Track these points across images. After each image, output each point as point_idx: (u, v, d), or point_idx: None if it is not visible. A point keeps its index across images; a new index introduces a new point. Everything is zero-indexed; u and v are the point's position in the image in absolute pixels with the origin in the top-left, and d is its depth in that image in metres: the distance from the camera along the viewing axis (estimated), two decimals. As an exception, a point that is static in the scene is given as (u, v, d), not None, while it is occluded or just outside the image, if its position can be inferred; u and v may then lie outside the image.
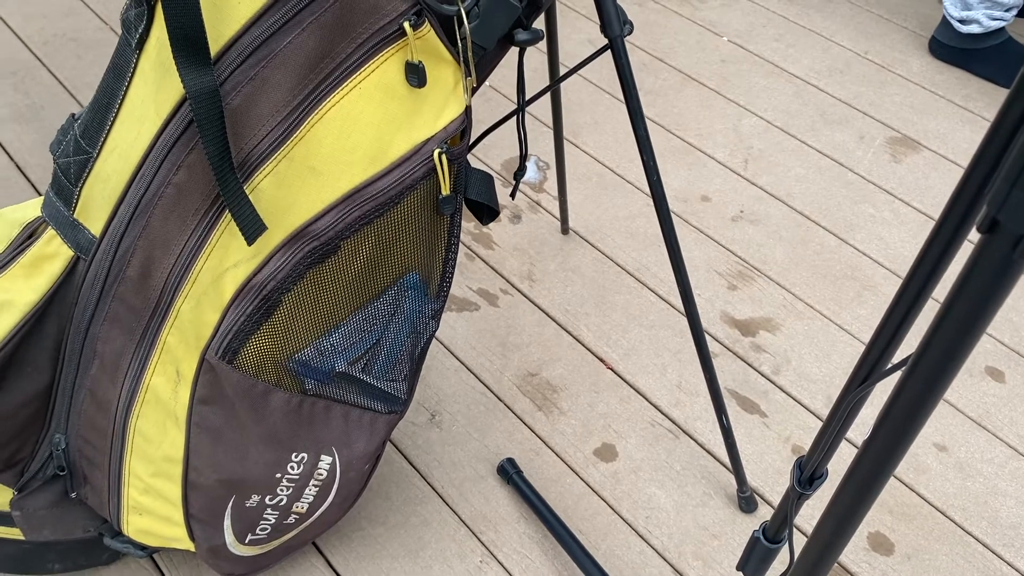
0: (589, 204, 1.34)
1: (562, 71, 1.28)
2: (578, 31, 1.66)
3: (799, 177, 1.39)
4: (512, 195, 0.80)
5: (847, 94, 1.54)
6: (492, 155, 1.41)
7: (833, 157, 1.42)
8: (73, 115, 0.68)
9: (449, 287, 0.74)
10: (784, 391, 1.11)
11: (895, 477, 1.03)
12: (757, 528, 0.65)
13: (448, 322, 1.17)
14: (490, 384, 1.11)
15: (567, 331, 1.17)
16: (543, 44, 1.02)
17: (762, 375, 1.13)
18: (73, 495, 0.80)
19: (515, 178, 0.78)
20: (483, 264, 1.25)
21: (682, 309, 1.19)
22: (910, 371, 0.39)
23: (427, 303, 0.74)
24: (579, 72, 1.57)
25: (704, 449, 1.05)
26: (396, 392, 0.78)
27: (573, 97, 1.52)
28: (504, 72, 1.56)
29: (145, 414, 0.74)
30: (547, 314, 1.19)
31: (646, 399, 1.10)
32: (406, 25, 0.58)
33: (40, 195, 1.32)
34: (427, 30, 0.59)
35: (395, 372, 0.77)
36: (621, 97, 1.49)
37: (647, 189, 1.36)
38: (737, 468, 0.96)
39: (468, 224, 1.30)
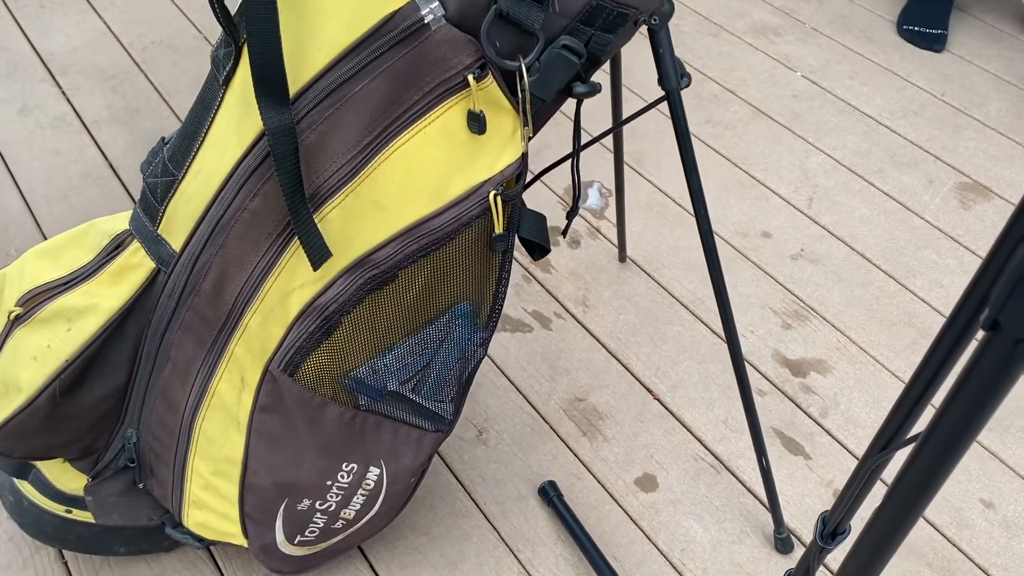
0: (648, 233, 1.36)
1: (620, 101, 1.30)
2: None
3: (863, 218, 1.38)
4: (564, 234, 0.83)
5: (919, 136, 1.52)
6: (556, 180, 1.45)
7: (899, 200, 1.41)
8: (163, 139, 0.74)
9: (498, 318, 0.78)
10: (830, 434, 1.11)
11: (937, 530, 1.02)
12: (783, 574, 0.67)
13: (501, 342, 1.21)
14: (537, 406, 1.14)
15: (617, 359, 1.20)
16: (607, 66, 1.05)
17: (809, 417, 1.13)
18: (140, 486, 0.86)
19: (567, 217, 0.81)
20: (539, 287, 1.28)
21: (733, 345, 1.21)
22: (917, 451, 0.41)
23: (476, 331, 0.78)
24: (644, 99, 1.59)
25: (745, 487, 1.06)
26: (443, 412, 0.82)
27: (639, 126, 1.54)
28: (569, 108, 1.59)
29: (210, 417, 0.80)
30: (598, 340, 1.22)
31: (691, 432, 1.12)
32: (470, 77, 0.62)
33: (129, 194, 1.41)
34: (489, 82, 0.63)
35: (443, 394, 0.81)
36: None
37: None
38: (775, 508, 0.97)
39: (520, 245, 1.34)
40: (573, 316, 1.25)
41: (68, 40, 1.70)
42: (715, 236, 1.35)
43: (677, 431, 1.12)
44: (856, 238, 1.36)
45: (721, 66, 1.67)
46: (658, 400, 1.15)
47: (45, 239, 1.33)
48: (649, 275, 1.31)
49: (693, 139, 1.52)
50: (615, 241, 1.35)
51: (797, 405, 1.15)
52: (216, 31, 1.72)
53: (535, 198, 1.42)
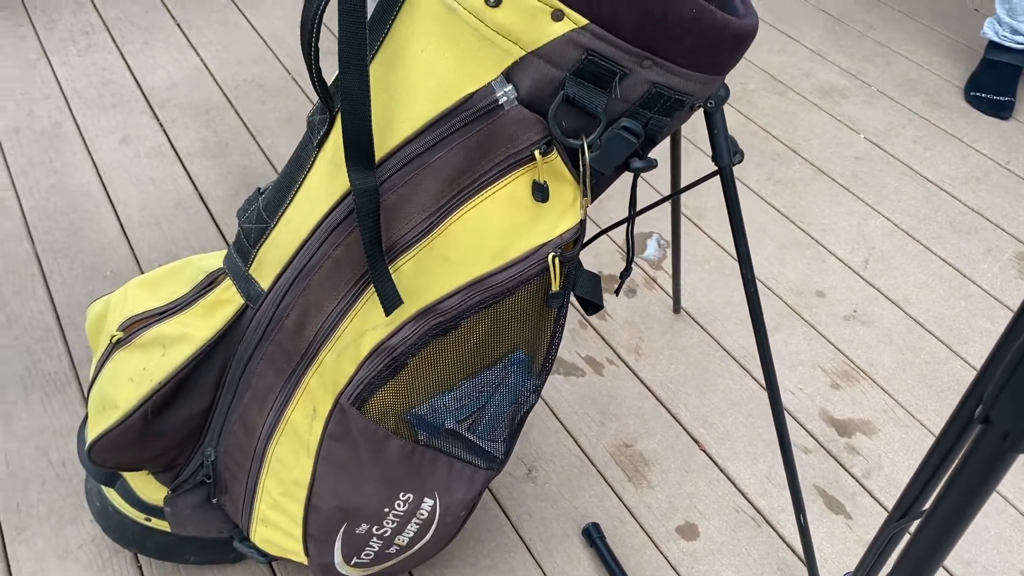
0: (704, 286, 1.41)
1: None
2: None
3: (918, 283, 1.40)
4: (616, 292, 0.89)
5: (980, 203, 1.54)
6: (617, 231, 1.50)
7: (956, 267, 1.43)
8: (259, 189, 0.82)
9: (551, 367, 0.83)
10: (872, 495, 1.14)
11: (974, 599, 1.04)
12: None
13: (554, 384, 1.26)
14: (586, 449, 1.19)
15: (666, 407, 1.24)
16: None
17: (852, 477, 1.16)
18: (214, 501, 0.94)
19: (621, 278, 0.87)
20: (594, 333, 1.33)
21: (784, 401, 1.24)
22: (921, 527, 0.45)
23: (530, 379, 0.84)
24: (707, 154, 1.64)
25: (784, 542, 1.09)
26: (495, 452, 0.87)
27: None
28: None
29: (283, 442, 0.87)
30: (649, 388, 1.26)
31: (734, 485, 1.15)
32: (537, 152, 0.68)
33: (215, 223, 1.51)
34: (554, 157, 0.69)
35: (496, 434, 0.87)
36: (749, 186, 1.56)
37: (763, 276, 1.41)
38: (811, 566, 1.00)
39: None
40: (625, 363, 1.30)
41: (168, 76, 1.82)
42: (769, 293, 1.39)
43: (721, 482, 1.15)
44: (910, 302, 1.38)
45: (785, 125, 1.71)
46: (704, 451, 1.19)
47: (137, 262, 1.44)
48: (702, 327, 1.35)
49: (754, 196, 1.56)
50: (670, 292, 1.40)
51: (841, 464, 1.17)
52: (302, 72, 1.83)
53: (595, 245, 1.47)
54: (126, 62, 1.86)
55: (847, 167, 1.61)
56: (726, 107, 1.74)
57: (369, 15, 0.67)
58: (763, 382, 1.27)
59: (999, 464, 0.39)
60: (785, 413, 1.20)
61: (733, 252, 1.46)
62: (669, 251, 1.47)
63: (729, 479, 1.16)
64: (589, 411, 1.23)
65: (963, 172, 1.60)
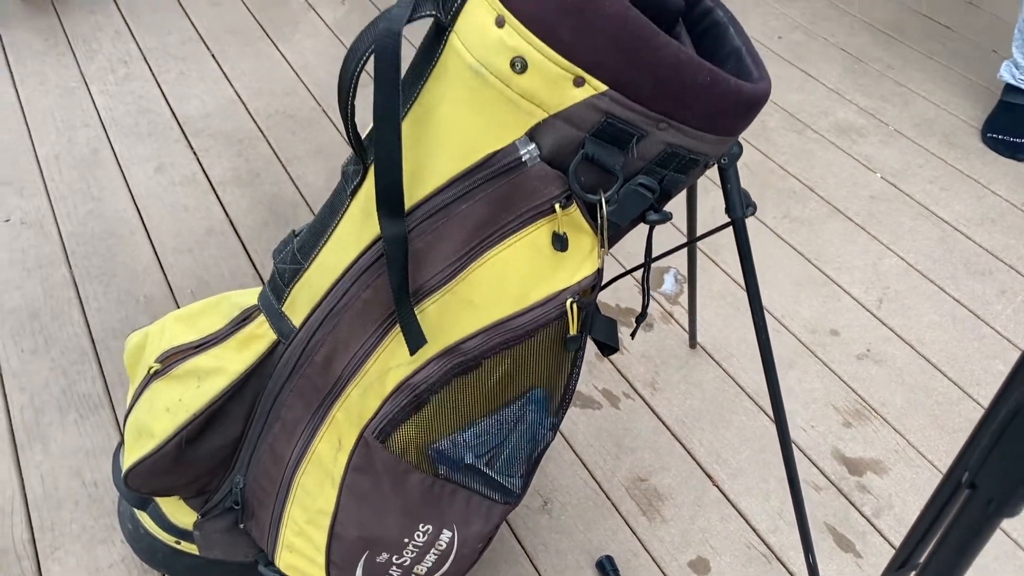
0: (719, 322, 1.43)
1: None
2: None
3: (932, 323, 1.43)
4: (632, 335, 0.92)
5: (995, 245, 1.56)
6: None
7: (970, 308, 1.45)
8: (293, 231, 0.87)
9: (567, 406, 0.87)
10: (882, 535, 1.15)
11: (981, 641, 1.05)
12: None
13: (571, 417, 1.29)
14: (601, 481, 1.21)
15: (680, 442, 1.27)
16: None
17: (863, 515, 1.18)
18: (241, 526, 0.97)
19: (636, 321, 0.90)
20: (611, 366, 1.36)
21: (795, 438, 1.26)
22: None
23: (547, 417, 0.87)
24: (730, 193, 1.67)
25: (794, 578, 1.11)
26: (512, 487, 0.91)
27: (718, 218, 1.62)
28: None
29: (309, 471, 0.90)
30: (664, 423, 1.29)
31: (746, 520, 1.17)
32: (557, 206, 0.72)
33: (246, 251, 1.56)
34: (573, 210, 0.73)
35: (513, 470, 0.90)
36: (766, 224, 1.59)
37: (778, 314, 1.44)
38: (820, 603, 1.02)
39: (604, 327, 1.42)
40: (641, 397, 1.33)
41: (203, 105, 1.88)
42: (784, 330, 1.42)
43: (733, 518, 1.18)
44: (923, 342, 1.40)
45: (803, 163, 1.74)
46: (717, 486, 1.21)
47: (170, 288, 1.49)
48: (717, 363, 1.37)
49: (770, 233, 1.59)
50: (687, 327, 1.43)
51: (851, 503, 1.19)
52: (331, 104, 1.89)
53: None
54: (162, 91, 1.92)
55: (863, 206, 1.64)
56: (745, 143, 1.78)
57: (402, 75, 0.71)
58: (776, 419, 1.29)
59: (985, 527, 0.42)
60: (796, 450, 1.23)
61: (749, 289, 1.49)
62: (686, 286, 1.50)
63: (741, 515, 1.18)
64: (605, 444, 1.26)
65: (978, 213, 1.62)
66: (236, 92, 1.92)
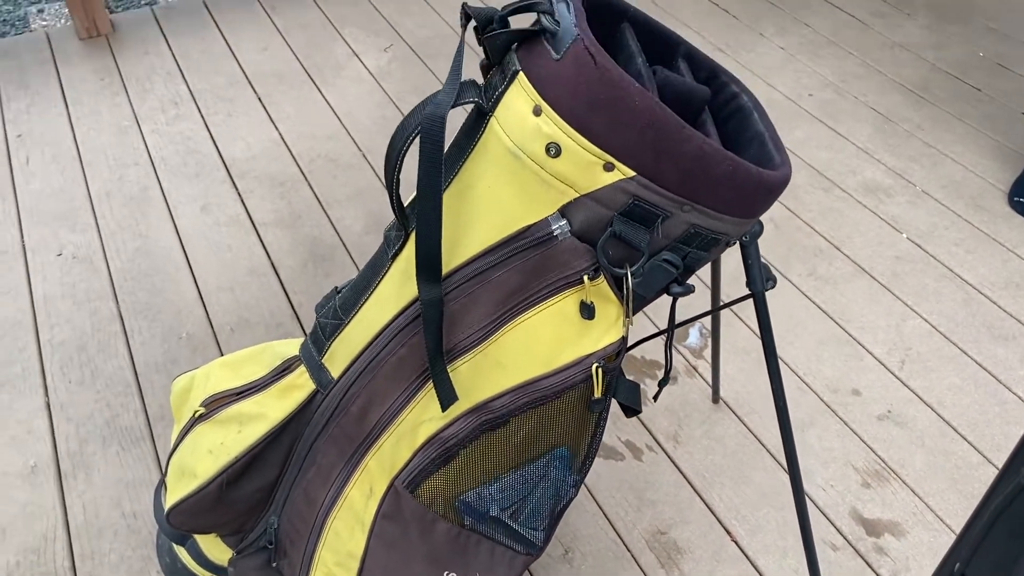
0: (743, 377, 1.46)
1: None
2: (763, 209, 1.80)
3: (953, 387, 1.44)
4: (655, 398, 0.96)
5: (1019, 309, 1.57)
6: (662, 313, 1.57)
7: (993, 372, 1.46)
8: (336, 288, 0.92)
9: (590, 464, 0.90)
10: (898, 598, 1.17)
11: None
12: None
13: (595, 467, 1.32)
14: (622, 533, 1.24)
15: (701, 496, 1.29)
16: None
17: (879, 577, 1.19)
18: (274, 565, 1.02)
19: (659, 386, 0.94)
20: (635, 418, 1.40)
21: (813, 497, 1.29)
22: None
23: (570, 474, 0.91)
24: (756, 250, 1.71)
25: (808, 637, 1.13)
26: (535, 539, 0.94)
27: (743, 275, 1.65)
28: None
29: (341, 516, 0.95)
30: (685, 477, 1.32)
31: (762, 577, 1.20)
32: (585, 277, 0.76)
33: (285, 292, 1.62)
34: (600, 281, 0.77)
35: (536, 523, 0.94)
36: (791, 281, 1.62)
37: (801, 372, 1.47)
38: (833, 665, 1.04)
39: (629, 377, 1.46)
40: (664, 450, 1.35)
41: (248, 147, 1.96)
42: (806, 388, 1.44)
43: (750, 575, 1.20)
44: (944, 405, 1.41)
45: (829, 221, 1.77)
46: (735, 542, 1.24)
47: (211, 325, 1.55)
48: (739, 419, 1.40)
49: (795, 290, 1.62)
50: (711, 381, 1.46)
51: (868, 564, 1.21)
52: (373, 150, 1.95)
53: (643, 331, 1.54)
54: (210, 132, 2.00)
55: (888, 266, 1.67)
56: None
57: (446, 149, 0.76)
58: (796, 477, 1.31)
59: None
60: (814, 509, 1.25)
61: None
62: (710, 340, 1.53)
63: (758, 572, 1.20)
64: (627, 496, 1.29)
65: (1003, 277, 1.64)
66: (280, 135, 2.00)
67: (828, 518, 1.26)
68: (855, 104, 2.10)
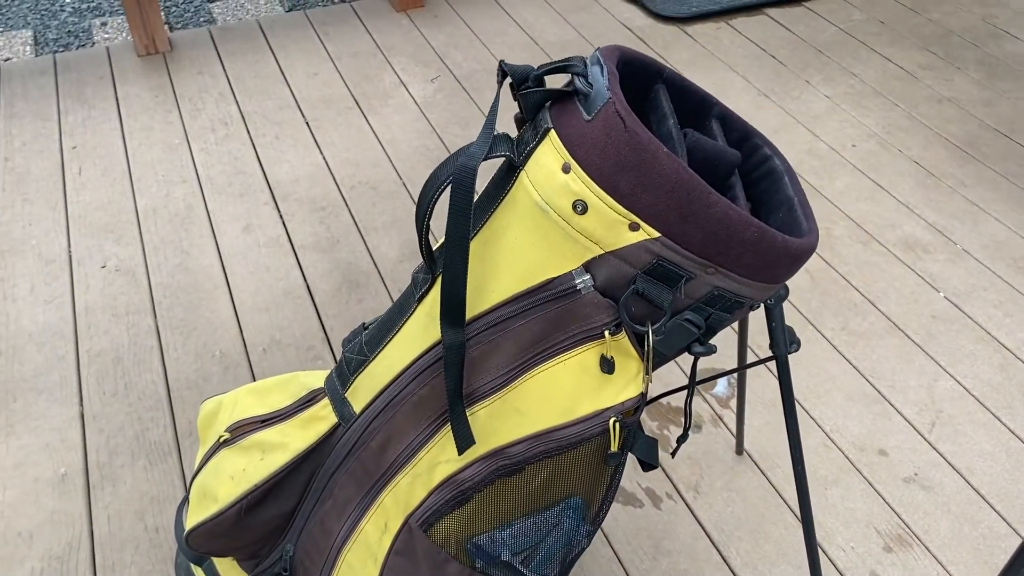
0: (768, 431, 1.45)
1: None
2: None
3: (984, 453, 1.42)
4: (672, 455, 0.96)
5: (1058, 378, 1.54)
6: (688, 361, 1.56)
7: (1026, 441, 1.44)
8: (363, 324, 0.94)
9: (604, 515, 0.90)
10: (914, 669, 1.15)
11: None
12: None
13: (612, 513, 1.32)
14: (635, 581, 1.24)
15: (718, 550, 1.28)
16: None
17: (896, 646, 1.17)
18: (287, 591, 1.03)
19: (678, 442, 0.94)
20: (656, 466, 1.39)
21: (833, 558, 1.27)
22: None
23: (583, 524, 0.91)
24: (789, 300, 1.70)
25: None
26: (545, 586, 0.94)
27: (778, 323, 1.64)
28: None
29: (355, 549, 0.96)
30: (703, 528, 1.31)
31: (776, 636, 1.18)
32: (606, 332, 0.77)
33: (318, 315, 1.64)
34: (622, 336, 0.78)
35: (547, 570, 0.94)
36: (823, 334, 1.60)
37: (827, 428, 1.45)
38: None
39: (653, 423, 1.46)
40: (684, 499, 1.35)
41: (292, 170, 2.00)
42: (832, 445, 1.42)
43: (763, 632, 1.18)
44: (974, 472, 1.39)
45: (865, 275, 1.75)
46: (750, 598, 1.22)
47: (245, 345, 1.58)
48: (762, 472, 1.39)
49: (827, 344, 1.60)
50: (735, 432, 1.45)
51: (886, 631, 1.19)
52: (412, 179, 1.98)
53: (667, 377, 1.54)
54: (257, 154, 2.05)
55: (923, 325, 1.64)
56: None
57: (476, 198, 0.78)
58: (817, 537, 1.30)
59: None
60: (833, 570, 1.23)
61: (801, 399, 1.50)
62: (736, 391, 1.52)
63: (772, 630, 1.19)
64: (643, 544, 1.28)
65: (1042, 343, 1.61)
66: (325, 159, 2.04)
67: (847, 580, 1.25)
68: (898, 157, 2.08)
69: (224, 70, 2.33)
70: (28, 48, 2.53)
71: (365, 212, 1.89)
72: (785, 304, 1.69)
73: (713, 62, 2.41)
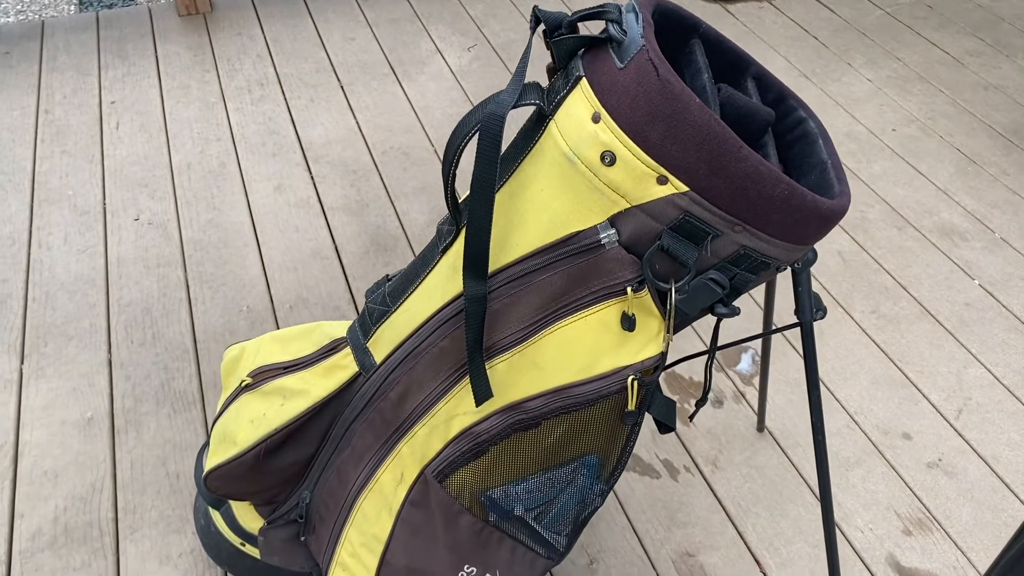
0: (791, 409, 1.44)
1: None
2: (831, 240, 1.77)
3: (1011, 442, 1.39)
4: (690, 419, 0.95)
5: (1092, 371, 1.51)
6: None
7: (1055, 432, 1.41)
8: (387, 276, 0.94)
9: (619, 476, 0.90)
10: (927, 652, 1.14)
11: None
12: None
13: (629, 482, 1.32)
14: (649, 550, 1.23)
15: (734, 524, 1.27)
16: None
17: (910, 628, 1.16)
18: (302, 539, 1.04)
19: (696, 406, 0.93)
20: (675, 438, 1.38)
21: (851, 538, 1.26)
22: None
23: (597, 483, 0.91)
24: (816, 278, 1.68)
25: None
26: (557, 544, 0.94)
27: (806, 304, 1.62)
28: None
29: (370, 498, 0.97)
30: (720, 502, 1.30)
31: (788, 612, 1.17)
32: (629, 289, 0.76)
33: (345, 276, 1.65)
34: (644, 294, 0.77)
35: (559, 527, 0.94)
36: (852, 317, 1.58)
37: (852, 409, 1.43)
38: None
39: (674, 396, 1.45)
40: (701, 473, 1.34)
41: (325, 133, 2.01)
42: (856, 427, 1.41)
43: (775, 608, 1.18)
44: (999, 460, 1.36)
45: (899, 260, 1.72)
46: (764, 574, 1.22)
47: (272, 302, 1.59)
48: (783, 450, 1.38)
49: (856, 327, 1.58)
50: (757, 409, 1.43)
51: (900, 613, 1.18)
52: (443, 147, 1.98)
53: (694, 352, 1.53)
54: (291, 116, 2.06)
55: (955, 311, 1.62)
56: (842, 232, 1.78)
57: (503, 151, 0.78)
58: (835, 517, 1.29)
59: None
60: (850, 551, 1.22)
61: (827, 381, 1.48)
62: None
63: (784, 606, 1.18)
64: (659, 514, 1.28)
65: (1078, 335, 1.57)
66: (358, 124, 2.04)
67: (864, 561, 1.23)
68: (939, 144, 2.04)
69: (263, 32, 2.34)
70: (73, 7, 2.55)
71: (396, 177, 1.89)
72: (815, 286, 1.66)
73: (754, 41, 2.38)
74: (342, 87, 2.16)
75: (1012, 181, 1.93)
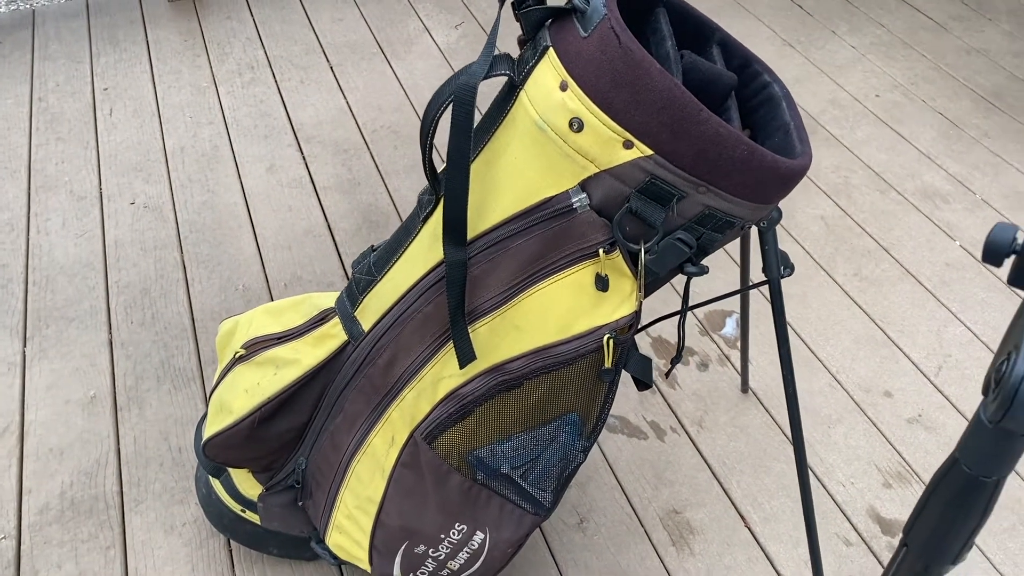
0: (774, 370, 1.47)
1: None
2: (814, 206, 1.80)
3: (989, 397, 1.43)
4: (666, 375, 0.98)
5: (1069, 326, 1.54)
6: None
7: (1032, 386, 1.44)
8: (372, 247, 0.97)
9: (599, 432, 0.94)
10: (906, 597, 1.18)
11: None
12: None
13: (617, 443, 1.36)
14: (637, 508, 1.28)
15: (719, 481, 1.31)
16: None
17: None
18: (299, 503, 1.08)
19: (671, 363, 0.97)
20: (662, 400, 1.42)
21: (832, 492, 1.30)
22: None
23: (579, 440, 0.95)
24: (800, 243, 1.71)
25: (811, 626, 1.15)
26: (543, 500, 0.98)
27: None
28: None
29: (363, 462, 1.00)
30: (706, 461, 1.34)
31: (772, 564, 1.22)
32: (601, 251, 0.80)
33: (338, 254, 1.69)
34: (616, 255, 0.80)
35: (545, 484, 0.98)
36: (835, 279, 1.61)
37: (833, 369, 1.47)
38: (830, 653, 1.06)
39: (660, 361, 1.49)
40: (687, 433, 1.38)
41: (316, 113, 2.03)
42: (838, 386, 1.45)
43: (759, 560, 1.22)
44: (978, 415, 1.40)
45: (881, 224, 1.76)
46: (748, 528, 1.26)
47: (267, 280, 1.62)
48: (766, 410, 1.42)
49: (838, 289, 1.61)
50: (740, 370, 1.47)
51: (880, 563, 1.22)
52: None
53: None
54: (282, 97, 2.08)
55: (936, 272, 1.65)
56: (824, 197, 1.81)
57: (476, 123, 0.81)
58: (817, 472, 1.33)
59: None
60: (831, 504, 1.26)
61: (808, 341, 1.52)
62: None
63: (768, 558, 1.22)
64: (646, 473, 1.32)
65: (1056, 292, 1.61)
66: (348, 104, 2.07)
67: (845, 513, 1.28)
68: (922, 108, 2.06)
69: (252, 15, 2.35)
70: (61, -7, 2.57)
71: (386, 155, 1.92)
72: (797, 250, 1.70)
73: (738, 11, 2.39)
74: (331, 68, 2.18)
75: (993, 143, 1.96)
